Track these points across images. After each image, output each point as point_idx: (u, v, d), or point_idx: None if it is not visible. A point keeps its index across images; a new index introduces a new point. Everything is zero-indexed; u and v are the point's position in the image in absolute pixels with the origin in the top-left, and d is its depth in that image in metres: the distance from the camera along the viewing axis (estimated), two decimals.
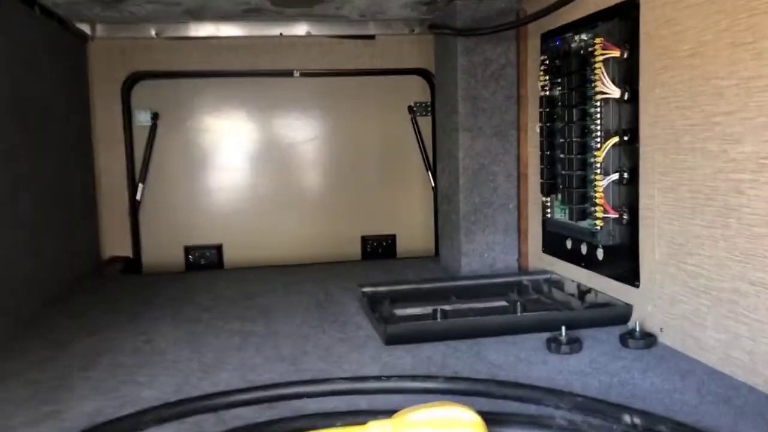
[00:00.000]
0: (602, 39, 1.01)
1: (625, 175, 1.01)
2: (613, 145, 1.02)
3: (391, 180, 1.84)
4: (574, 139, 1.10)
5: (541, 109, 1.23)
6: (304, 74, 1.77)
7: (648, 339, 0.93)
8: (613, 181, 1.03)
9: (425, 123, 1.82)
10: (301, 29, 1.74)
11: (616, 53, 1.00)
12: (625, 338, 0.94)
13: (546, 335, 0.96)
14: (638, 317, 0.99)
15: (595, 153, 1.04)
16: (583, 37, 1.09)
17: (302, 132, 1.79)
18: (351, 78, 1.79)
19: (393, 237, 1.84)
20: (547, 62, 1.21)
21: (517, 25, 1.27)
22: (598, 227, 1.05)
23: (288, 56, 1.76)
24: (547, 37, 1.24)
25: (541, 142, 1.23)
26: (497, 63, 1.38)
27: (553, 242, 1.26)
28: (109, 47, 1.69)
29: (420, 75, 1.81)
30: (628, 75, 0.99)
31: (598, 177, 1.03)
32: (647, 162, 0.96)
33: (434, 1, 1.47)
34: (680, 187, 0.88)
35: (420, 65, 1.81)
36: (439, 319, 1.05)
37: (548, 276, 1.27)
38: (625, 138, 1.00)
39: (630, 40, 0.98)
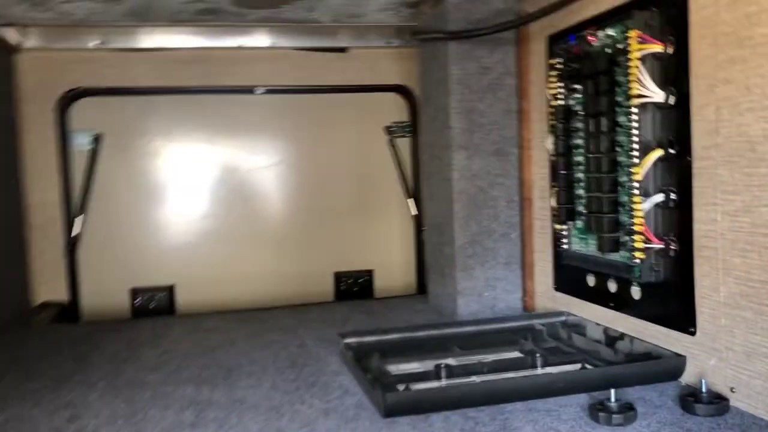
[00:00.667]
0: (638, 32, 0.83)
1: (673, 196, 0.82)
2: (656, 161, 0.83)
3: (367, 209, 1.63)
4: (602, 155, 0.91)
5: (553, 122, 1.04)
6: (267, 91, 1.57)
7: (719, 403, 0.73)
8: (657, 204, 0.84)
9: (404, 145, 1.63)
10: (263, 40, 1.53)
11: (658, 48, 0.82)
12: (688, 402, 0.74)
13: (584, 397, 0.76)
14: (694, 372, 0.80)
15: (632, 171, 0.85)
16: (610, 32, 0.91)
17: (266, 156, 1.58)
18: (320, 95, 1.60)
19: (370, 273, 1.63)
20: (560, 66, 1.03)
21: (525, 22, 1.09)
22: (638, 260, 0.86)
23: (249, 71, 1.56)
24: (557, 38, 1.06)
25: (555, 161, 1.04)
26: (494, 72, 1.19)
27: (570, 278, 1.07)
28: (41, 60, 1.46)
29: (398, 92, 1.63)
30: (673, 74, 0.81)
31: (636, 199, 0.84)
32: (704, 179, 0.77)
33: (420, 3, 1.29)
34: (761, 208, 0.69)
35: (398, 81, 1.62)
36: (444, 378, 0.84)
37: (564, 318, 1.07)
38: (672, 151, 0.82)
39: (676, 30, 0.80)
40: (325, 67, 1.59)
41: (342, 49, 1.59)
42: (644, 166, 0.84)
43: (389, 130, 1.63)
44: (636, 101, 0.84)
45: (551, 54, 1.08)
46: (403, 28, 1.50)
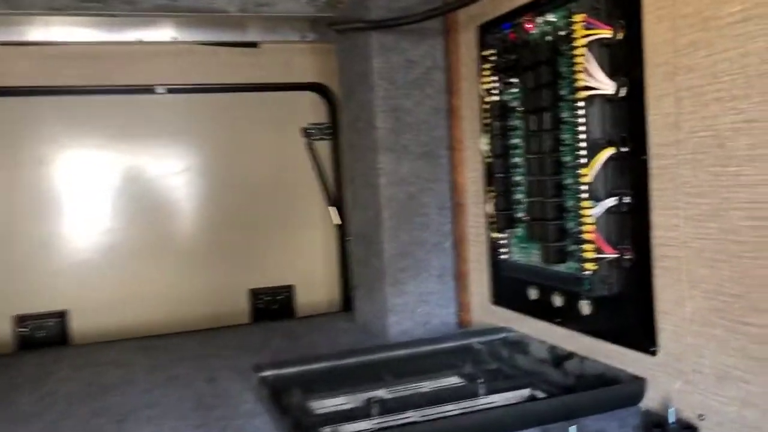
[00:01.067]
0: (584, 16, 0.74)
1: (627, 199, 0.73)
2: (607, 160, 0.74)
3: (285, 218, 1.50)
4: (544, 155, 0.81)
5: (488, 120, 0.94)
6: (170, 90, 1.41)
7: None
8: (609, 209, 0.75)
9: (323, 148, 1.51)
10: (164, 33, 1.38)
11: (607, 33, 0.73)
12: None
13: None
14: (656, 397, 0.71)
15: (580, 172, 0.76)
16: (551, 17, 0.82)
17: (170, 163, 1.42)
18: (230, 95, 1.45)
19: (289, 289, 1.50)
20: (494, 58, 0.93)
21: (452, 9, 0.98)
22: (588, 272, 0.76)
23: (149, 68, 1.40)
24: (489, 27, 0.96)
25: (491, 163, 0.94)
26: (421, 66, 1.08)
27: (509, 291, 0.97)
28: None
29: (315, 91, 1.50)
30: (625, 62, 0.72)
31: (585, 204, 0.75)
32: (664, 180, 0.68)
33: None
34: (731, 212, 0.61)
35: (314, 79, 1.49)
36: (376, 415, 0.72)
37: (504, 335, 0.97)
38: (624, 149, 0.73)
39: (627, 12, 0.71)
40: (235, 63, 1.44)
41: (253, 44, 1.46)
42: (593, 166, 0.75)
43: (307, 132, 1.50)
44: (582, 94, 0.75)
45: (483, 45, 0.98)
46: (320, 20, 1.37)
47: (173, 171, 1.43)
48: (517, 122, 0.90)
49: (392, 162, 1.07)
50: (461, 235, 1.10)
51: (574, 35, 0.75)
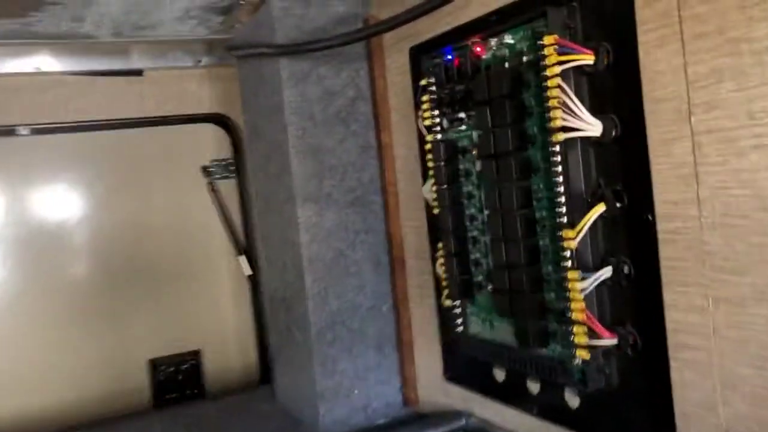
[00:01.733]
0: (556, 37, 0.58)
1: (627, 269, 0.58)
2: (597, 219, 0.58)
3: (187, 270, 1.28)
4: (512, 211, 0.65)
5: (432, 162, 0.76)
6: (36, 131, 1.17)
7: None
8: (604, 282, 0.59)
9: (229, 188, 1.30)
10: (26, 63, 1.14)
11: (587, 59, 0.57)
12: None
13: None
14: None
15: (562, 234, 0.59)
16: (508, 39, 0.65)
17: (44, 214, 1.18)
18: (112, 133, 1.22)
19: (196, 355, 1.28)
20: (434, 89, 0.76)
21: (383, 30, 0.80)
22: (579, 360, 0.60)
23: (7, 106, 1.15)
24: (424, 51, 0.79)
25: (439, 215, 0.77)
26: (343, 97, 0.90)
27: (468, 366, 0.80)
28: None
29: (215, 123, 1.29)
30: (614, 96, 0.57)
31: (571, 275, 0.59)
32: (679, 248, 0.53)
33: (232, 8, 0.97)
34: None
35: (214, 109, 1.29)
36: None
37: (464, 422, 0.80)
38: (620, 204, 0.57)
39: (615, 32, 0.56)
40: (118, 95, 1.22)
41: (138, 72, 1.23)
42: (581, 227, 0.58)
43: (208, 171, 1.29)
44: (559, 136, 0.59)
45: (418, 71, 0.81)
46: (216, 42, 1.17)
47: (48, 222, 1.18)
48: (470, 166, 0.74)
49: (315, 214, 0.88)
50: (402, 296, 0.92)
51: (545, 62, 0.59)
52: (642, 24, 0.53)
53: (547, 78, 0.59)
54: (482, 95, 0.66)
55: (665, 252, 0.54)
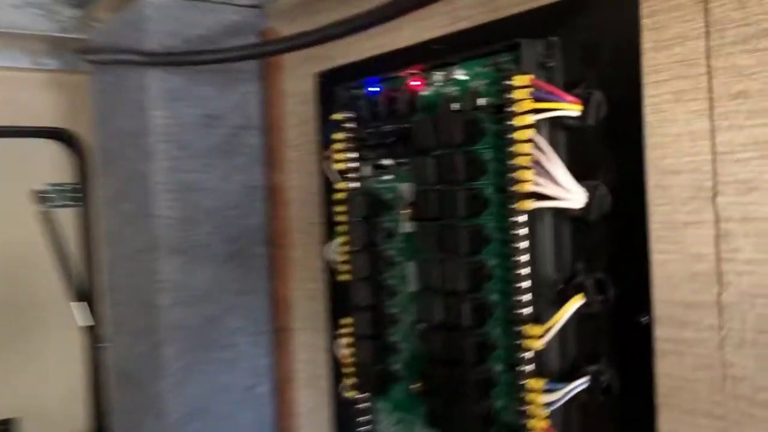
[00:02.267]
0: (530, 77, 0.45)
1: (609, 383, 0.45)
2: (573, 314, 0.45)
3: (6, 320, 1.02)
4: (455, 294, 0.50)
5: (343, 216, 0.61)
6: None
7: None
8: (578, 396, 0.46)
9: (70, 218, 1.06)
10: None
11: (572, 109, 0.45)
12: None
13: None
14: None
15: (525, 331, 0.46)
16: (460, 74, 0.52)
17: None
18: None
19: (6, 424, 1.02)
20: (350, 125, 0.60)
21: (288, 49, 0.63)
22: None
23: None
24: (339, 78, 0.64)
25: (349, 284, 0.61)
26: (228, 123, 0.73)
27: None
28: None
29: (56, 139, 1.05)
30: (603, 158, 0.44)
31: (533, 384, 0.45)
32: (687, 366, 0.41)
33: (91, 0, 0.77)
34: None
35: (55, 123, 1.05)
36: None
37: None
38: (603, 298, 0.45)
39: (612, 73, 0.43)
40: None
41: None
42: (552, 325, 0.45)
43: (42, 197, 1.04)
44: (528, 204, 0.45)
45: (329, 103, 0.65)
46: (64, 41, 0.95)
47: None
48: (394, 225, 0.59)
49: (182, 269, 0.69)
50: (286, 376, 0.75)
51: (513, 108, 0.45)
52: (651, 71, 0.42)
53: (515, 129, 0.45)
54: (424, 142, 0.52)
55: (665, 367, 0.42)
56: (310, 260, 0.71)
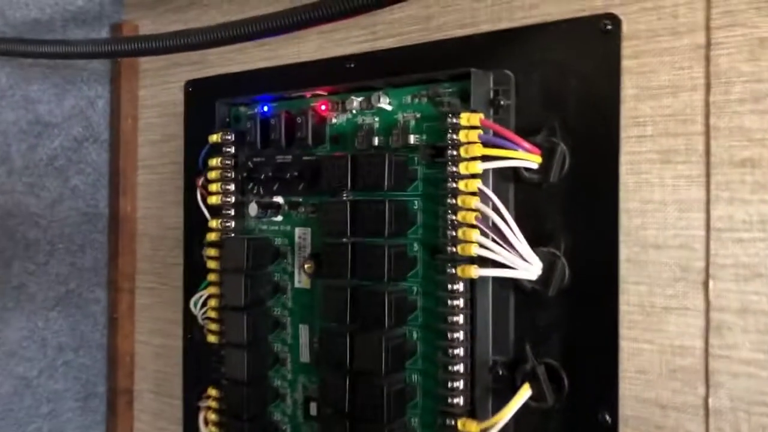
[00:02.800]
0: (482, 117, 0.37)
1: None
2: (521, 408, 0.37)
3: None
4: (365, 372, 0.40)
5: (218, 265, 0.48)
6: None
7: None
8: None
9: None
10: None
11: (528, 160, 0.37)
12: None
13: None
14: None
15: (461, 427, 0.37)
16: (383, 103, 0.42)
17: None
18: None
19: None
20: (231, 151, 0.49)
21: (157, 50, 0.49)
22: None
23: None
24: (216, 90, 0.52)
25: (226, 350, 0.48)
26: (65, 134, 0.58)
27: None
28: None
29: None
30: (568, 222, 0.37)
31: None
32: None
33: None
34: None
35: None
36: None
37: None
38: (556, 390, 0.37)
39: (588, 125, 0.36)
40: None
41: None
42: (494, 423, 0.37)
43: None
44: (470, 271, 0.37)
45: (201, 118, 0.53)
46: None
47: None
48: (284, 279, 0.48)
49: None
50: None
51: (459, 153, 0.37)
52: (632, 124, 0.35)
53: (459, 177, 0.37)
54: (337, 182, 0.41)
55: None
56: (164, 309, 0.57)
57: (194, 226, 0.53)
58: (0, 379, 0.54)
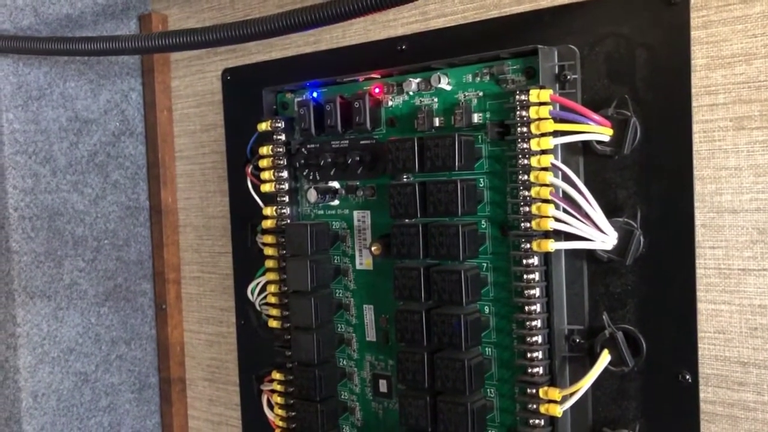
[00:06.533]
0: (551, 93, 0.37)
1: None
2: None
3: None
4: (446, 344, 0.42)
5: (280, 251, 0.49)
6: None
7: None
8: None
9: None
10: None
11: (599, 133, 0.38)
12: None
13: None
14: None
15: (542, 394, 0.39)
16: (443, 83, 0.42)
17: None
18: None
19: None
20: (282, 138, 0.49)
21: (204, 44, 0.49)
22: None
23: None
24: (260, 79, 0.52)
25: (293, 336, 0.49)
26: (102, 129, 0.58)
27: None
28: None
29: None
30: (641, 194, 0.38)
31: None
32: (744, 418, 0.36)
33: None
34: None
35: None
36: None
37: None
38: (635, 356, 0.38)
39: (659, 96, 0.37)
40: None
41: None
42: (577, 390, 0.38)
43: None
44: (547, 245, 0.38)
45: (240, 106, 0.53)
46: None
47: None
48: (345, 261, 0.48)
49: (46, 318, 0.54)
50: None
51: (530, 129, 0.37)
52: (703, 93, 0.36)
53: (531, 154, 0.38)
54: (402, 165, 0.42)
55: None
56: (212, 298, 0.58)
57: (242, 214, 0.54)
58: (60, 376, 0.54)
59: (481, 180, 0.41)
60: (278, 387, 0.50)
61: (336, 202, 0.48)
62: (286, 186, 0.49)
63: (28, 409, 0.52)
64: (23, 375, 0.52)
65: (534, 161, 0.38)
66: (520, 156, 0.38)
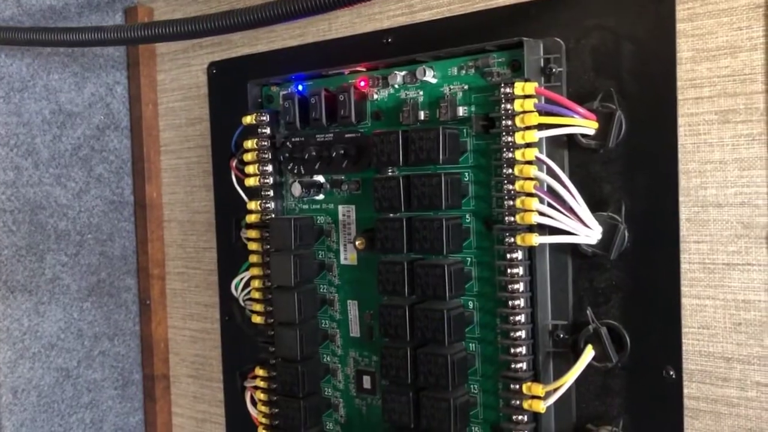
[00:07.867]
0: (536, 86, 0.37)
1: None
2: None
3: None
4: (423, 344, 0.41)
5: (258, 246, 0.48)
6: None
7: None
8: None
9: None
10: None
11: (584, 127, 0.37)
12: None
13: None
14: None
15: (525, 389, 0.38)
16: (428, 76, 0.42)
17: None
18: None
19: None
20: (266, 132, 0.48)
21: (184, 35, 0.49)
22: None
23: None
24: (242, 72, 0.51)
25: (276, 332, 0.49)
26: (86, 123, 0.57)
27: None
28: None
29: None
30: (625, 188, 0.38)
31: None
32: (724, 426, 0.36)
33: None
34: None
35: None
36: None
37: None
38: (615, 356, 0.38)
39: (643, 89, 0.37)
40: None
41: None
42: (561, 385, 0.38)
43: None
44: (531, 239, 0.37)
45: (225, 100, 0.53)
46: None
47: None
48: (329, 256, 0.48)
49: (27, 313, 0.53)
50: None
51: (514, 122, 0.37)
52: (688, 86, 0.35)
53: (515, 147, 0.37)
54: (387, 159, 0.42)
55: (698, 431, 0.36)
56: (196, 294, 0.57)
57: (227, 209, 0.53)
58: (41, 371, 0.54)
59: (466, 174, 0.41)
60: (261, 383, 0.50)
61: (321, 197, 0.48)
62: (270, 180, 0.49)
63: (7, 405, 0.52)
64: (3, 370, 0.52)
65: (518, 154, 0.37)
66: (504, 149, 0.38)
